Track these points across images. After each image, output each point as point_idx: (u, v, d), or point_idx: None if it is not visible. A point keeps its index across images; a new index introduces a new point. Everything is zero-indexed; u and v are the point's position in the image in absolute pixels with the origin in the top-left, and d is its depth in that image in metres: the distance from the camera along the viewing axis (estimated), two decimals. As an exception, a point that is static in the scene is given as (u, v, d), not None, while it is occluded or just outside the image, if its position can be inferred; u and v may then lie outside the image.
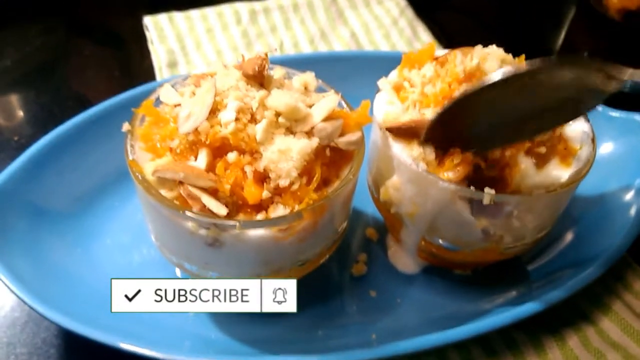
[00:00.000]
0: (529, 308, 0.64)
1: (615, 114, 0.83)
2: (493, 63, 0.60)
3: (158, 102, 0.60)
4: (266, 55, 0.61)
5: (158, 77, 0.98)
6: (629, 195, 0.75)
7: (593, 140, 0.62)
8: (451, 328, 0.62)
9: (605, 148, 0.81)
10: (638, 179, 0.76)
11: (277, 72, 0.64)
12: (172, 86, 0.61)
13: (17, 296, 0.59)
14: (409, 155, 0.60)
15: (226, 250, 0.54)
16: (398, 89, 0.65)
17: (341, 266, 0.72)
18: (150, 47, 1.03)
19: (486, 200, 0.56)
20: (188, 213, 0.51)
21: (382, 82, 0.66)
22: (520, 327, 0.66)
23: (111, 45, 1.12)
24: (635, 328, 0.66)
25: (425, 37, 1.06)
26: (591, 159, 0.60)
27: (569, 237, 0.74)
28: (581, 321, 0.68)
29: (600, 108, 0.83)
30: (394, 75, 0.67)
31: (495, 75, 0.53)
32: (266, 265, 0.57)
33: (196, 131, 0.54)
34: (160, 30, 1.03)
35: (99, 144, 0.76)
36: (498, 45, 0.64)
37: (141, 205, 0.60)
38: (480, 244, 0.62)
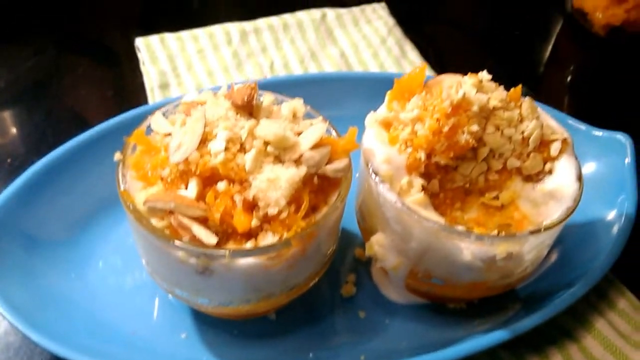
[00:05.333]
0: (516, 328, 0.65)
1: (598, 132, 0.85)
2: (479, 95, 0.62)
3: (149, 129, 0.61)
4: (255, 84, 0.62)
5: (150, 98, 1.00)
6: (611, 214, 0.77)
7: (580, 179, 0.63)
8: (439, 350, 0.63)
9: (588, 167, 0.83)
10: (620, 198, 0.78)
11: (266, 99, 0.65)
12: (163, 114, 0.62)
13: (11, 323, 0.60)
14: (394, 194, 0.61)
15: (216, 278, 0.56)
16: (387, 125, 0.66)
17: (330, 287, 0.74)
18: (142, 68, 1.04)
19: (471, 240, 0.58)
20: (178, 243, 0.52)
21: (370, 120, 0.67)
22: (506, 346, 0.67)
23: (104, 65, 1.13)
24: (617, 346, 0.68)
25: (412, 55, 1.08)
26: (578, 197, 0.61)
27: (553, 256, 0.76)
28: (565, 339, 0.70)
29: (583, 127, 0.85)
30: (382, 110, 0.68)
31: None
32: (256, 291, 0.59)
33: (186, 161, 0.55)
34: (152, 52, 1.04)
35: (91, 168, 0.77)
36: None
37: (132, 232, 0.61)
38: (467, 278, 0.64)
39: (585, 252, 0.75)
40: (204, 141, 0.57)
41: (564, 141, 0.65)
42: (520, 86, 0.66)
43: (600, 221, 0.77)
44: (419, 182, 0.63)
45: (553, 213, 0.62)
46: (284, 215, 0.55)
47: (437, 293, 0.68)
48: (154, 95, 0.99)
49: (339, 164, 0.60)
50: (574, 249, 0.76)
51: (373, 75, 0.99)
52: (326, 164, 0.59)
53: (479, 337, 0.66)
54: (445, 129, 0.60)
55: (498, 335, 0.65)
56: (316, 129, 0.60)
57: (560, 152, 0.64)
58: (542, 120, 0.65)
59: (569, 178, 0.62)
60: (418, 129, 0.62)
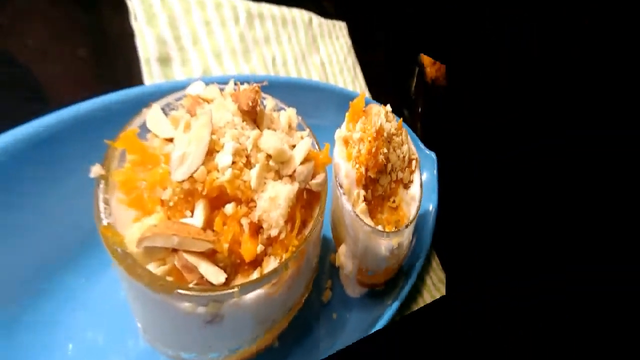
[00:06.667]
0: (406, 293, 0.51)
1: (427, 152, 0.66)
2: (387, 124, 0.43)
3: (144, 130, 0.26)
4: (259, 87, 0.31)
5: (145, 74, 0.41)
6: (431, 206, 0.62)
7: (421, 186, 0.49)
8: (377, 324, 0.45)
9: (424, 175, 0.66)
10: (430, 204, 0.63)
11: (268, 104, 0.34)
12: (162, 109, 0.27)
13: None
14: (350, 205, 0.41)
15: (226, 322, 0.28)
16: (347, 142, 0.44)
17: (316, 296, 0.46)
18: (134, 24, 0.46)
19: (384, 237, 0.42)
20: (183, 291, 0.23)
21: (337, 136, 0.44)
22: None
23: (76, 6, 0.40)
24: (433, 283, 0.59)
25: (361, 78, 0.74)
26: (420, 199, 0.47)
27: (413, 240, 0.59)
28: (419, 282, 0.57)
29: (422, 146, 0.67)
30: (343, 128, 0.44)
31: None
32: (262, 324, 0.33)
33: (192, 179, 0.24)
34: (149, 7, 0.47)
35: (51, 184, 0.29)
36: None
37: (123, 286, 0.26)
38: (383, 266, 0.47)
39: (423, 232, 0.60)
40: (210, 152, 0.26)
41: (416, 159, 0.50)
42: (402, 119, 0.47)
43: (427, 212, 0.62)
44: (362, 193, 0.43)
45: (413, 211, 0.47)
46: (282, 235, 0.29)
47: (371, 281, 0.50)
48: (150, 71, 0.42)
49: (320, 177, 0.34)
50: (420, 232, 0.61)
51: (342, 91, 0.62)
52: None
53: (391, 308, 0.48)
54: (373, 150, 0.41)
55: (398, 303, 0.49)
56: (305, 143, 0.32)
57: (415, 167, 0.49)
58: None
59: (418, 186, 0.48)
60: (361, 149, 0.42)
